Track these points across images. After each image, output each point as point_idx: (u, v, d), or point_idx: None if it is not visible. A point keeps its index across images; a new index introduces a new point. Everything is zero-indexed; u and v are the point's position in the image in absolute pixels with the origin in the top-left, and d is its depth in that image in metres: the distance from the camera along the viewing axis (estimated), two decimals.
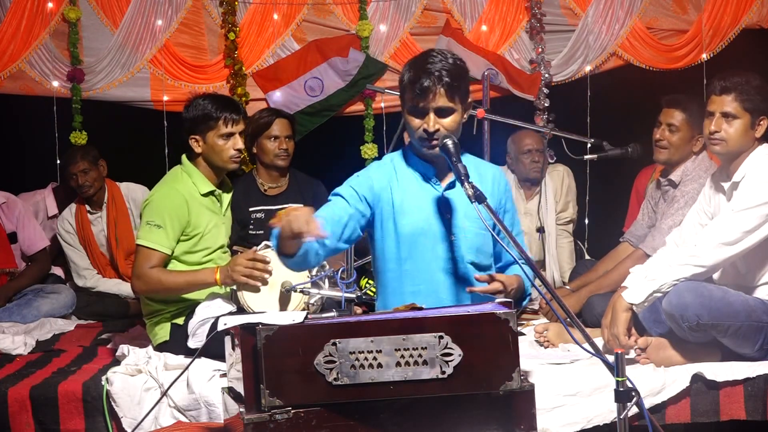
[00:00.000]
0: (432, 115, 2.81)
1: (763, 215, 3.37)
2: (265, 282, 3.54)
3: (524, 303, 2.94)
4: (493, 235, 2.66)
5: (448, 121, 2.82)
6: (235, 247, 4.08)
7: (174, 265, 3.67)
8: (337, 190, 2.98)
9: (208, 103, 3.71)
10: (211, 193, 3.75)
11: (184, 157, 3.79)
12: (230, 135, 3.70)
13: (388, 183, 2.96)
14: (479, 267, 2.92)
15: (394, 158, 3.03)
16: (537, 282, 2.88)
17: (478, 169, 2.96)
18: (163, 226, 3.58)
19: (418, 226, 2.91)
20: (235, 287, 3.60)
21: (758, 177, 3.42)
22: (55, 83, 5.53)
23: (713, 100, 3.52)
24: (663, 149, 4.18)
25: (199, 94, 3.94)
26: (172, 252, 3.64)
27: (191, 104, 3.76)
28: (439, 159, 2.87)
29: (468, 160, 2.95)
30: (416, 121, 2.84)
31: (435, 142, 2.83)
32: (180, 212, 3.62)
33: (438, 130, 2.81)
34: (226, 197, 3.86)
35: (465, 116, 2.90)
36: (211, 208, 3.74)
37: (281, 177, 4.64)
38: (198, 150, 3.72)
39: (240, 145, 3.72)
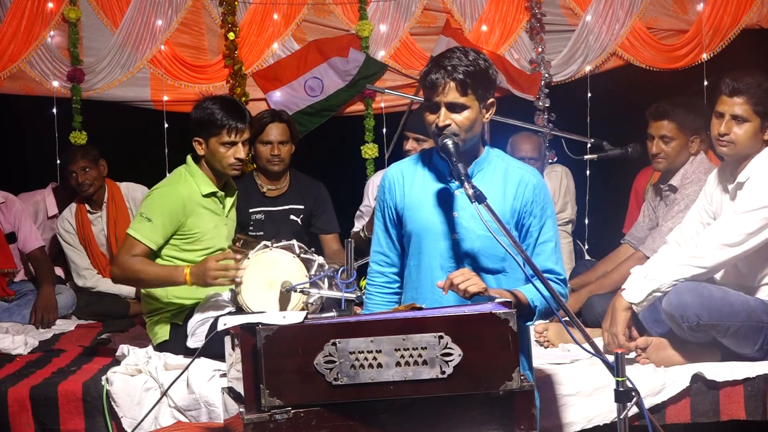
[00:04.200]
0: (443, 110, 2.79)
1: (766, 218, 3.36)
2: (235, 277, 3.53)
3: (534, 320, 2.87)
4: (493, 235, 2.64)
5: (461, 118, 2.78)
6: (237, 236, 4.08)
7: (171, 263, 3.67)
8: (377, 203, 3.08)
9: (216, 109, 3.66)
10: (213, 194, 3.74)
11: (189, 157, 3.77)
12: (232, 144, 3.66)
13: (396, 181, 2.98)
14: (485, 270, 2.88)
15: (418, 156, 3.03)
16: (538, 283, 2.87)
17: (506, 170, 2.91)
18: (152, 221, 3.59)
19: (422, 223, 2.91)
20: (233, 288, 3.61)
21: (763, 179, 3.40)
22: (55, 83, 5.53)
23: (723, 101, 3.48)
24: (661, 160, 4.18)
25: (208, 95, 3.92)
26: (159, 248, 3.64)
27: (199, 105, 3.73)
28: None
29: (499, 160, 2.93)
30: (430, 117, 2.83)
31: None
32: (174, 213, 3.62)
33: (449, 125, 2.78)
34: (230, 200, 3.84)
35: (486, 114, 2.86)
36: (212, 209, 3.73)
37: (278, 180, 4.63)
38: (200, 152, 3.72)
39: (241, 154, 3.68)
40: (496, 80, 2.90)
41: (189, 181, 3.71)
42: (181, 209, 3.63)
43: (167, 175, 5.54)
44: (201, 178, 3.72)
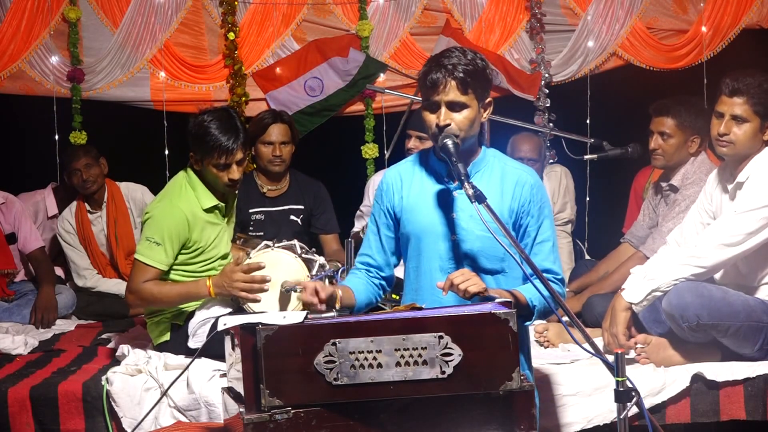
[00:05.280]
0: (443, 109, 2.78)
1: (765, 217, 3.36)
2: (264, 290, 3.56)
3: (532, 320, 2.88)
4: (493, 235, 2.64)
5: (461, 117, 2.79)
6: (237, 234, 4.07)
7: (172, 274, 3.65)
8: (373, 205, 3.08)
9: (210, 128, 3.57)
10: (215, 206, 3.71)
11: (189, 169, 3.71)
12: (225, 166, 3.59)
13: (395, 184, 2.98)
14: (484, 270, 2.88)
15: (416, 157, 3.03)
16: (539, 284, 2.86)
17: (503, 170, 2.92)
18: (162, 244, 3.55)
19: (421, 224, 2.91)
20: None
21: (762, 179, 3.40)
22: (55, 83, 5.53)
23: (723, 101, 3.48)
24: (659, 156, 4.19)
25: (207, 107, 3.85)
26: (170, 268, 3.62)
27: (196, 120, 3.65)
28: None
29: (496, 161, 2.94)
30: (430, 116, 2.82)
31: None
32: (180, 231, 3.58)
33: (449, 124, 2.78)
34: (231, 205, 3.82)
35: (484, 114, 2.86)
36: (213, 221, 3.69)
37: (279, 180, 4.63)
38: (196, 167, 3.67)
39: (235, 175, 3.61)
40: (493, 80, 2.91)
41: (189, 195, 3.66)
42: (185, 227, 3.60)
43: (167, 175, 5.56)
44: (202, 191, 3.67)
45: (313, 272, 3.69)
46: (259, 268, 3.55)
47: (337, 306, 2.81)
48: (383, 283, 3.05)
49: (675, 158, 4.17)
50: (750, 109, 3.44)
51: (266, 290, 3.56)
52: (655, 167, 4.36)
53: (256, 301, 3.56)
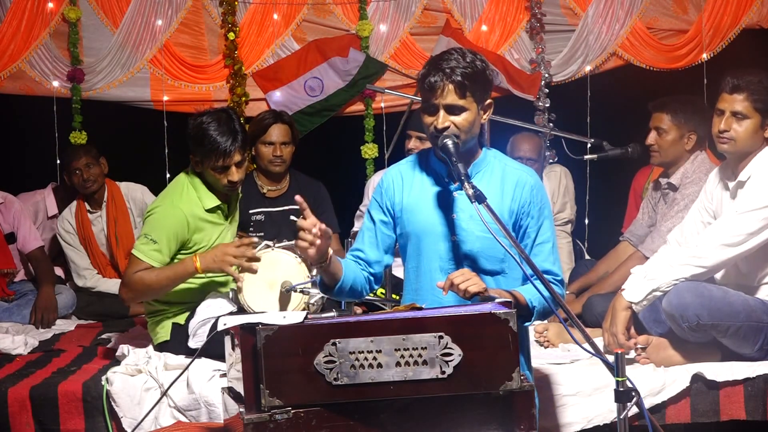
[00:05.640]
0: (441, 112, 2.78)
1: (766, 217, 3.36)
2: (254, 270, 3.54)
3: (532, 320, 2.87)
4: (493, 236, 2.64)
5: (460, 120, 2.78)
6: (239, 233, 4.07)
7: None
8: (370, 203, 3.06)
9: (208, 130, 3.57)
10: (217, 207, 3.71)
11: (190, 170, 3.71)
12: (224, 168, 3.59)
13: (395, 183, 2.98)
14: (484, 271, 2.88)
15: (415, 157, 3.03)
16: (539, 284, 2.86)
17: (504, 171, 2.92)
18: (159, 242, 3.56)
19: (420, 225, 2.91)
20: (234, 288, 3.61)
21: (764, 179, 3.40)
22: (55, 83, 5.53)
23: (724, 98, 3.49)
24: (655, 152, 4.20)
25: (207, 108, 3.83)
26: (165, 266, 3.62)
27: (194, 122, 3.64)
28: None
29: (496, 161, 2.94)
30: (428, 119, 2.82)
31: None
32: (179, 232, 3.59)
33: (448, 127, 2.78)
34: (234, 205, 3.81)
35: (483, 116, 2.86)
36: (215, 221, 3.70)
37: (279, 180, 4.63)
38: (197, 169, 3.68)
39: (234, 177, 3.61)
40: (493, 81, 2.90)
41: (191, 195, 3.66)
42: (184, 228, 3.60)
43: (167, 175, 5.56)
44: (204, 191, 3.67)
45: (313, 272, 3.69)
46: (252, 243, 3.55)
47: (327, 261, 2.75)
48: (371, 278, 3.00)
49: (671, 154, 4.17)
50: (750, 106, 3.44)
51: (255, 270, 3.54)
52: (653, 164, 4.37)
53: (239, 279, 3.53)
